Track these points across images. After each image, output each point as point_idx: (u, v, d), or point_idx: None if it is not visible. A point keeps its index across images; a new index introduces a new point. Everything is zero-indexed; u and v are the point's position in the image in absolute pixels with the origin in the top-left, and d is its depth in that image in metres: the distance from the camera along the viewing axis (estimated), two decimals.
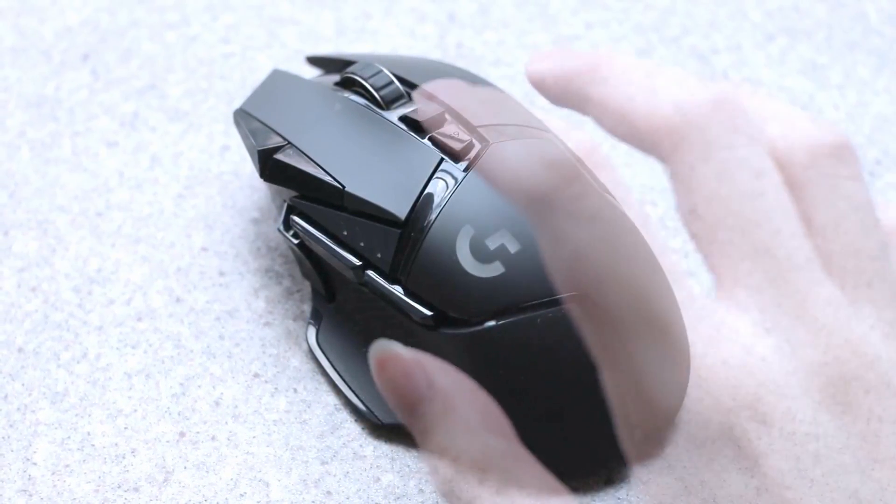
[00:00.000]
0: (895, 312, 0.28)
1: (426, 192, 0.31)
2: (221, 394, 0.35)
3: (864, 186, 0.29)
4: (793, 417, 0.27)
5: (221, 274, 0.37)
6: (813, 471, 0.27)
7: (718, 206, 0.28)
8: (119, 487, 0.33)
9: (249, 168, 0.39)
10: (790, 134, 0.30)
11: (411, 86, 0.34)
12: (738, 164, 0.29)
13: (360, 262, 0.33)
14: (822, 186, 0.29)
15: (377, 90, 0.34)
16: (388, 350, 0.29)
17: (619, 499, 0.29)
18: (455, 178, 0.31)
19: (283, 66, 0.42)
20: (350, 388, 0.34)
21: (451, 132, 0.33)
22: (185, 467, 0.33)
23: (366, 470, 0.33)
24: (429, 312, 0.31)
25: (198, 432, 0.34)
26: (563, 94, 0.30)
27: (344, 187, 0.33)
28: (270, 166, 0.34)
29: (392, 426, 0.34)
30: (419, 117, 0.33)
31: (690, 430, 0.29)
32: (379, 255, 0.32)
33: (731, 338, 0.28)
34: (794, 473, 0.27)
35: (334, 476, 0.33)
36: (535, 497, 0.28)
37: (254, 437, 0.34)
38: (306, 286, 0.37)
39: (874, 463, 0.28)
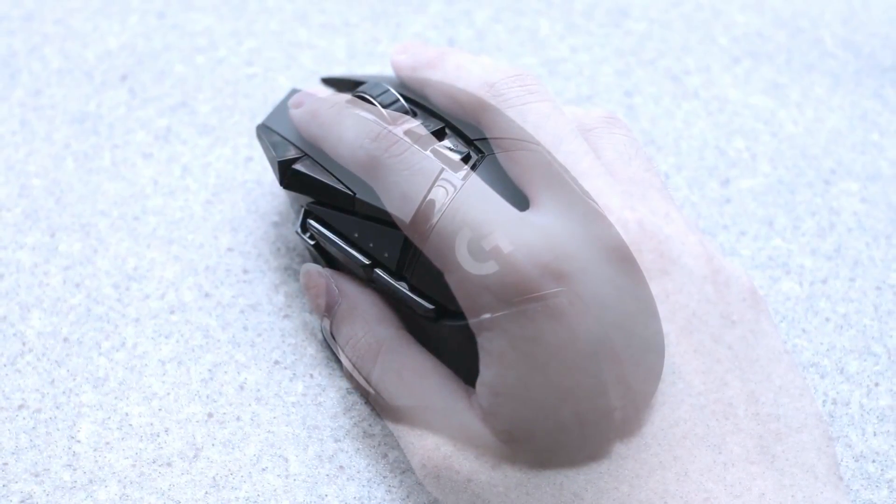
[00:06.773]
0: (670, 205, 0.32)
1: (428, 198, 0.31)
2: (245, 379, 0.35)
3: (632, 138, 0.33)
4: (590, 279, 0.29)
5: (245, 272, 0.37)
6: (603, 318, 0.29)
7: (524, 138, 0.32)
8: (154, 462, 0.33)
9: (270, 177, 0.39)
10: (579, 113, 0.34)
11: (415, 103, 0.35)
12: (532, 110, 0.32)
13: (370, 261, 0.33)
14: (601, 137, 0.33)
15: (384, 107, 0.34)
16: (309, 268, 0.34)
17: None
18: (454, 186, 0.31)
19: (301, 86, 0.42)
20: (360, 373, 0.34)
21: (451, 145, 0.33)
22: (213, 444, 0.33)
23: (375, 447, 0.33)
24: (431, 306, 0.31)
25: (224, 413, 0.34)
26: (411, 79, 0.35)
27: (355, 194, 0.33)
28: (289, 175, 0.34)
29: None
30: (422, 132, 0.33)
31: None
32: (386, 255, 0.32)
33: (540, 233, 0.30)
34: (595, 332, 0.29)
35: (346, 452, 0.33)
36: (414, 370, 0.32)
37: (274, 418, 0.34)
38: None
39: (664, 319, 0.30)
